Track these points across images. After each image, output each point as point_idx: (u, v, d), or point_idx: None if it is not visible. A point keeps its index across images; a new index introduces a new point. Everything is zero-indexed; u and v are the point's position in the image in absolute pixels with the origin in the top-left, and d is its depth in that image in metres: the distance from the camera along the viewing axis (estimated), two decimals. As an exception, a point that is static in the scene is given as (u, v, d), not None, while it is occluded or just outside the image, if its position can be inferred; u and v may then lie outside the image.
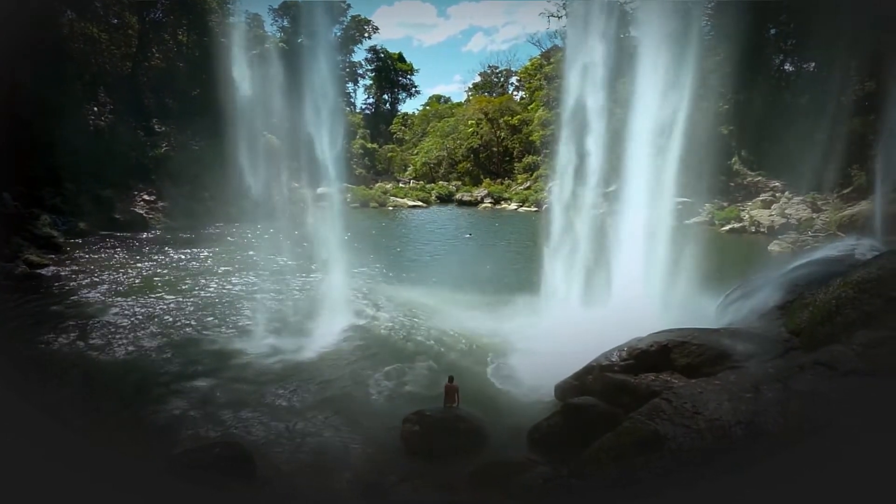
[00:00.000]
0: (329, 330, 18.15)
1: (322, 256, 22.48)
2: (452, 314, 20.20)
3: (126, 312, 19.44)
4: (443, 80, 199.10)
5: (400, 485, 9.76)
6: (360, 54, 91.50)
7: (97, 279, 23.68)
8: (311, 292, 22.73)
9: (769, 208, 42.95)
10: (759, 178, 46.36)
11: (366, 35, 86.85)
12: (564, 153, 21.08)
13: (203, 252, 31.00)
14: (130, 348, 16.44)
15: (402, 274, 27.98)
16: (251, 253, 31.35)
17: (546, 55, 71.95)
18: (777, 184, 44.75)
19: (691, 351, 11.59)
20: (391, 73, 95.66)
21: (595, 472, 8.25)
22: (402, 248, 37.67)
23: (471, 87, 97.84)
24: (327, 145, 21.39)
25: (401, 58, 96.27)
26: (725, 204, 45.33)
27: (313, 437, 11.81)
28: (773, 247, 34.20)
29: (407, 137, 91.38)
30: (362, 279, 25.45)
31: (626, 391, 11.47)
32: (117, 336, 17.19)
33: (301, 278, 25.23)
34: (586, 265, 19.31)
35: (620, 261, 18.61)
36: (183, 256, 29.59)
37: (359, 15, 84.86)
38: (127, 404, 12.95)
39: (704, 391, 9.05)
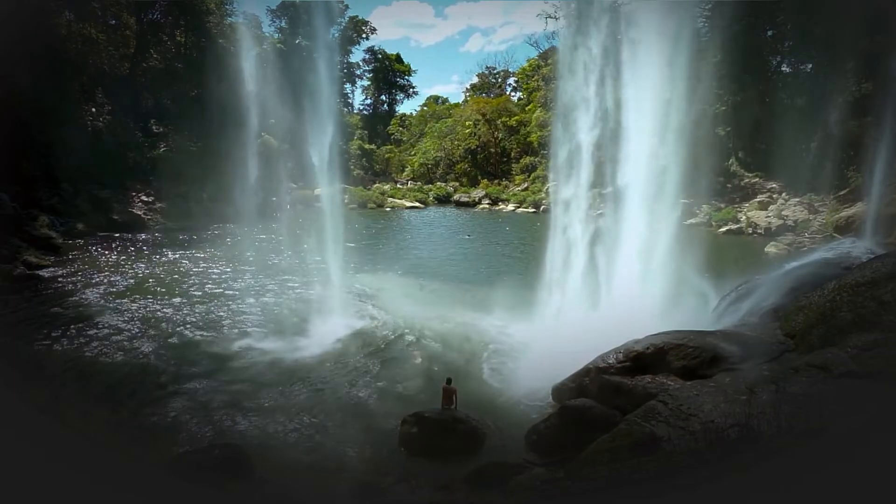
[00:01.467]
0: (326, 330, 18.17)
1: (319, 257, 22.47)
2: (450, 315, 20.27)
3: (124, 314, 19.44)
4: (440, 80, 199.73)
5: (397, 485, 9.82)
6: (357, 55, 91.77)
7: (95, 280, 23.67)
8: (309, 293, 22.77)
9: (766, 210, 43.04)
10: (756, 179, 46.49)
11: (363, 36, 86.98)
12: (562, 155, 21.13)
13: (201, 253, 31.01)
14: (129, 350, 16.42)
15: (400, 274, 28.03)
16: (249, 254, 31.35)
17: (544, 56, 72.04)
18: (774, 185, 44.89)
19: (687, 353, 11.65)
20: (389, 74, 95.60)
21: (591, 473, 8.31)
22: (399, 248, 37.69)
23: (468, 88, 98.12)
24: (325, 146, 21.44)
25: (398, 59, 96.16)
26: (722, 205, 45.46)
27: (311, 438, 11.86)
28: (770, 248, 34.36)
29: (404, 138, 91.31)
30: (359, 279, 25.52)
31: (622, 393, 11.52)
32: (116, 337, 17.18)
33: (298, 279, 25.26)
34: (584, 266, 19.36)
35: (618, 262, 18.68)
36: (181, 257, 29.59)
37: (356, 16, 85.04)
38: (126, 406, 12.96)
39: (700, 393, 9.15)
